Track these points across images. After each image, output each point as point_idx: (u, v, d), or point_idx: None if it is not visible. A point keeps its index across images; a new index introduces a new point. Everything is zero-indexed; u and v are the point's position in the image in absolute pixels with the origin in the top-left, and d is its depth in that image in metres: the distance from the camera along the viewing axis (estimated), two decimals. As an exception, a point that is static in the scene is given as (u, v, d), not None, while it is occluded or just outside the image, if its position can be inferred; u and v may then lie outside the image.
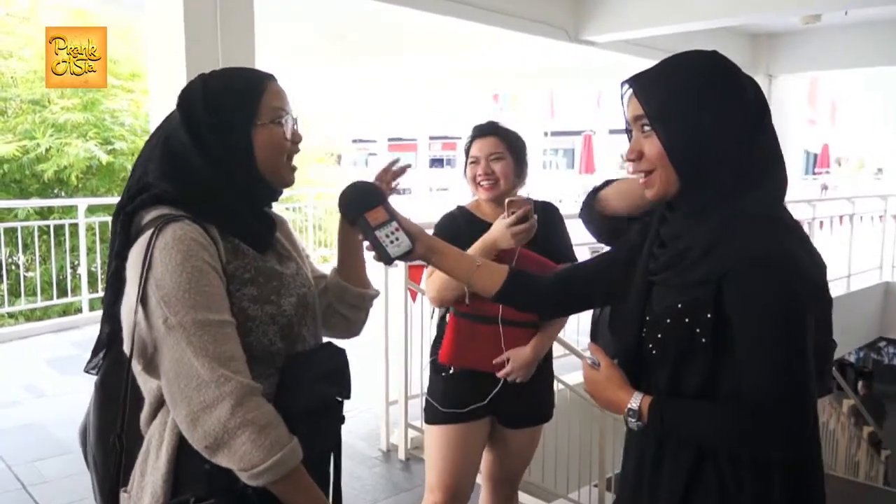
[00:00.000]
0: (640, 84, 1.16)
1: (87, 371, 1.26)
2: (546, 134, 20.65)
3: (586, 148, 16.41)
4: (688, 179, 1.12)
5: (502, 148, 2.08)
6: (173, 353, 1.09)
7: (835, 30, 7.14)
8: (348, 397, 1.31)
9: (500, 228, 1.93)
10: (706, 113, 1.10)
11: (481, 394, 2.06)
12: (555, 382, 2.39)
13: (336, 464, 1.33)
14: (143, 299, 1.10)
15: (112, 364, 1.22)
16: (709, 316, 1.08)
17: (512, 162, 2.09)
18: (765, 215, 1.10)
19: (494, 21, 5.67)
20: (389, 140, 22.07)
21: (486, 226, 2.02)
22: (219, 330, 1.10)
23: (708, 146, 1.10)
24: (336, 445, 1.33)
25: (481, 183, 2.08)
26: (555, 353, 4.39)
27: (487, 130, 2.13)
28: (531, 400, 2.17)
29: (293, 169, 1.29)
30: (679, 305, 1.12)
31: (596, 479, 4.49)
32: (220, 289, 1.14)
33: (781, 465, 1.10)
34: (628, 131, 1.20)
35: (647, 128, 1.14)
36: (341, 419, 1.32)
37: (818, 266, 1.10)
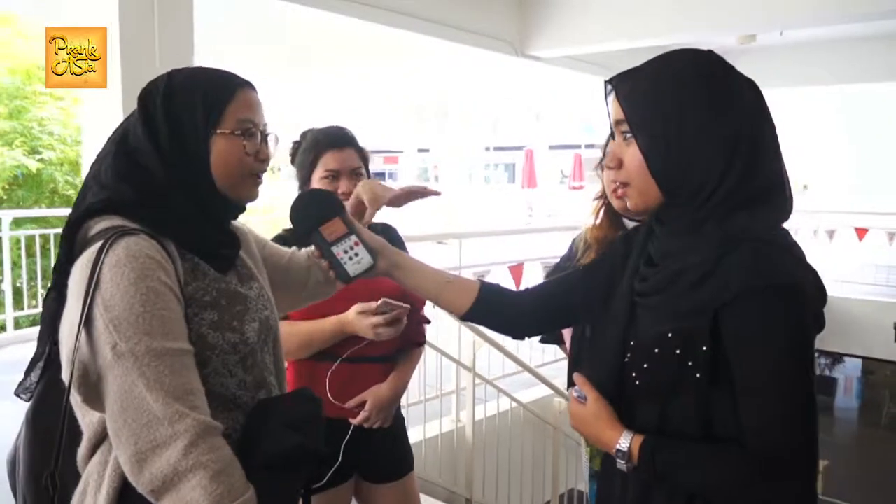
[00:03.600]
0: (622, 84, 1.03)
1: (17, 395, 1.12)
2: (488, 149, 20.82)
3: (528, 163, 16.53)
4: (671, 194, 1.01)
5: (359, 163, 1.80)
6: (121, 383, 0.96)
7: (770, 50, 7.36)
8: (319, 450, 1.15)
9: (363, 321, 1.69)
10: (694, 121, 0.98)
11: (335, 452, 1.72)
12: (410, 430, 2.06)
13: None
14: (87, 322, 0.98)
15: (47, 389, 1.08)
16: (704, 349, 0.97)
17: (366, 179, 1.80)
18: (767, 239, 0.98)
19: (440, 34, 5.63)
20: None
21: None
22: (176, 360, 0.98)
23: (694, 158, 0.98)
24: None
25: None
26: (508, 370, 4.39)
27: (345, 140, 1.80)
28: (388, 447, 1.90)
29: (257, 184, 1.17)
30: (669, 334, 1.00)
31: (549, 496, 4.44)
32: (179, 313, 1.02)
33: None
34: (613, 135, 1.08)
35: (628, 134, 1.03)
36: (307, 476, 1.17)
37: (823, 296, 1.01)
